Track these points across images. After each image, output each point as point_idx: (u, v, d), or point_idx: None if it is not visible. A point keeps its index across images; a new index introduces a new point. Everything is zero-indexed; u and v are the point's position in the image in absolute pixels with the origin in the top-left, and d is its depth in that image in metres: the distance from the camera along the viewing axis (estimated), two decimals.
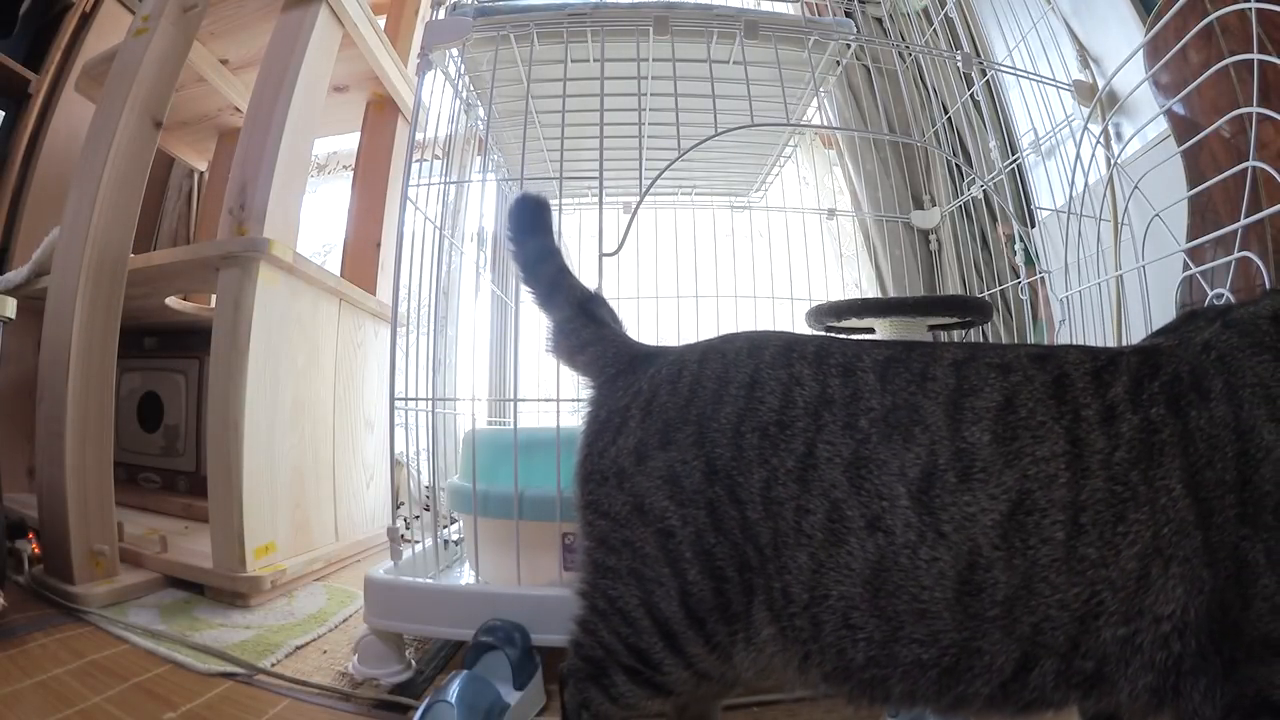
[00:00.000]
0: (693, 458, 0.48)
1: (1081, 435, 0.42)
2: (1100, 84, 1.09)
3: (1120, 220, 1.01)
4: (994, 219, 1.53)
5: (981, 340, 1.60)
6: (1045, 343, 1.23)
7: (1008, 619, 0.42)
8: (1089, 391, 0.43)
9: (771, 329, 0.59)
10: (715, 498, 0.48)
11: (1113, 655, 0.41)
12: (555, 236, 0.68)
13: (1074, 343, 1.05)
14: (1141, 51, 0.95)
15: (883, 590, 0.44)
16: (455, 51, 1.05)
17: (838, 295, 1.39)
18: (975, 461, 0.43)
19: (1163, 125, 0.98)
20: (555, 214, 1.75)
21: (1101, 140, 1.03)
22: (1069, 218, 1.03)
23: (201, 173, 2.34)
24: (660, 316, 1.54)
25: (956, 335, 1.58)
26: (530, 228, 0.66)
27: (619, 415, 0.52)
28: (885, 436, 0.45)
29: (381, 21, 1.80)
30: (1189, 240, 0.90)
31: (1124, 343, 1.03)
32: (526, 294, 0.67)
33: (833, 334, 1.18)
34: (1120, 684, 0.41)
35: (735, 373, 0.50)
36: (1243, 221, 0.77)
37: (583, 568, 0.54)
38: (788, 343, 0.52)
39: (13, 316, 1.14)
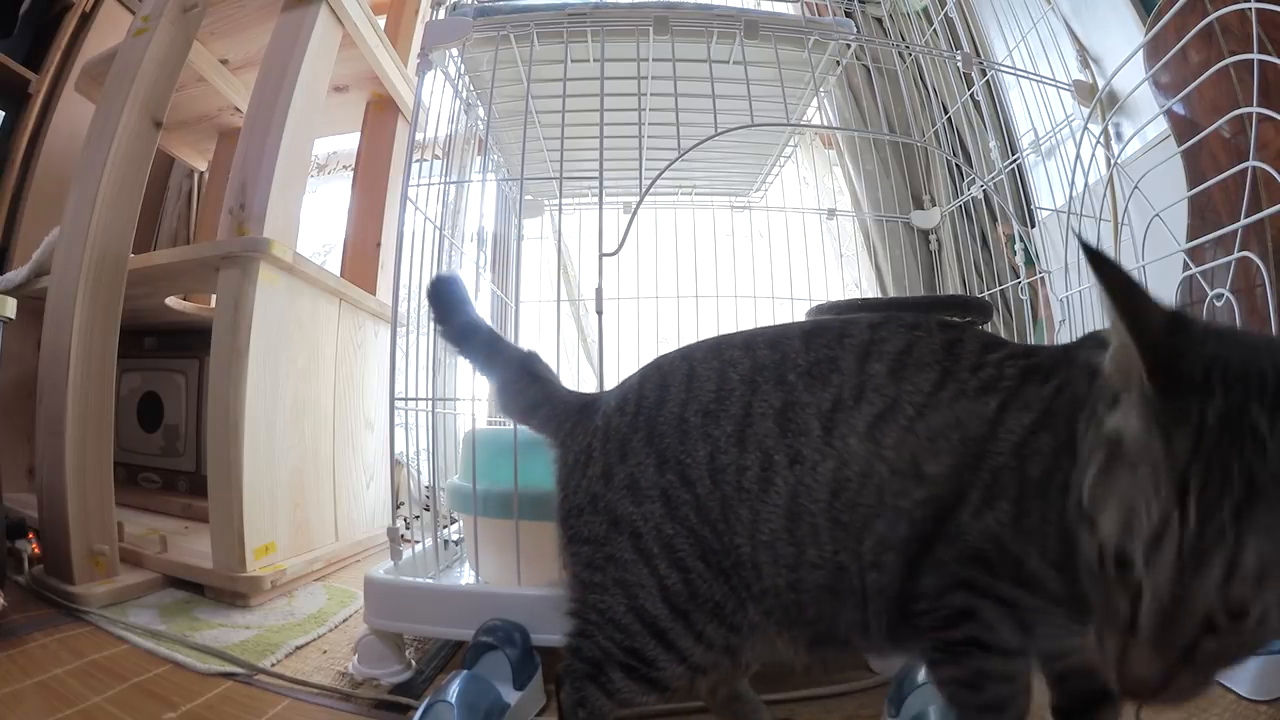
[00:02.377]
0: (645, 456, 0.52)
1: (951, 373, 0.48)
2: (1100, 84, 1.09)
3: (1120, 220, 1.01)
4: (994, 219, 1.53)
5: None
6: (1045, 343, 1.23)
7: (861, 530, 0.47)
8: (973, 353, 0.49)
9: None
10: (668, 485, 0.51)
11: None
12: (474, 307, 0.72)
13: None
14: (1141, 51, 0.95)
15: (797, 516, 0.48)
16: (455, 51, 1.05)
17: (838, 295, 1.39)
18: (869, 385, 0.48)
19: (1163, 125, 0.98)
20: (555, 215, 1.74)
21: (1101, 140, 1.03)
22: (1069, 218, 1.04)
23: (201, 173, 2.34)
24: (660, 316, 1.54)
25: None
26: (450, 306, 0.70)
27: (584, 454, 0.56)
28: (809, 385, 0.50)
29: (381, 21, 1.80)
30: (1189, 240, 0.90)
31: None
32: (466, 361, 0.71)
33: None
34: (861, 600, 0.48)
35: (673, 376, 0.54)
36: (1243, 221, 0.77)
37: (570, 590, 0.56)
38: (716, 340, 0.57)
39: (13, 316, 1.14)
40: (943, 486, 0.45)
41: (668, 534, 0.51)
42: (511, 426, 0.89)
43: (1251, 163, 0.75)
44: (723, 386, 0.52)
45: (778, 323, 0.62)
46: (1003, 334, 1.56)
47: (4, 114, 1.85)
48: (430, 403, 1.03)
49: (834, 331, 0.52)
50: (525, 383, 0.65)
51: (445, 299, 0.71)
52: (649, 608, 0.51)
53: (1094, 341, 0.47)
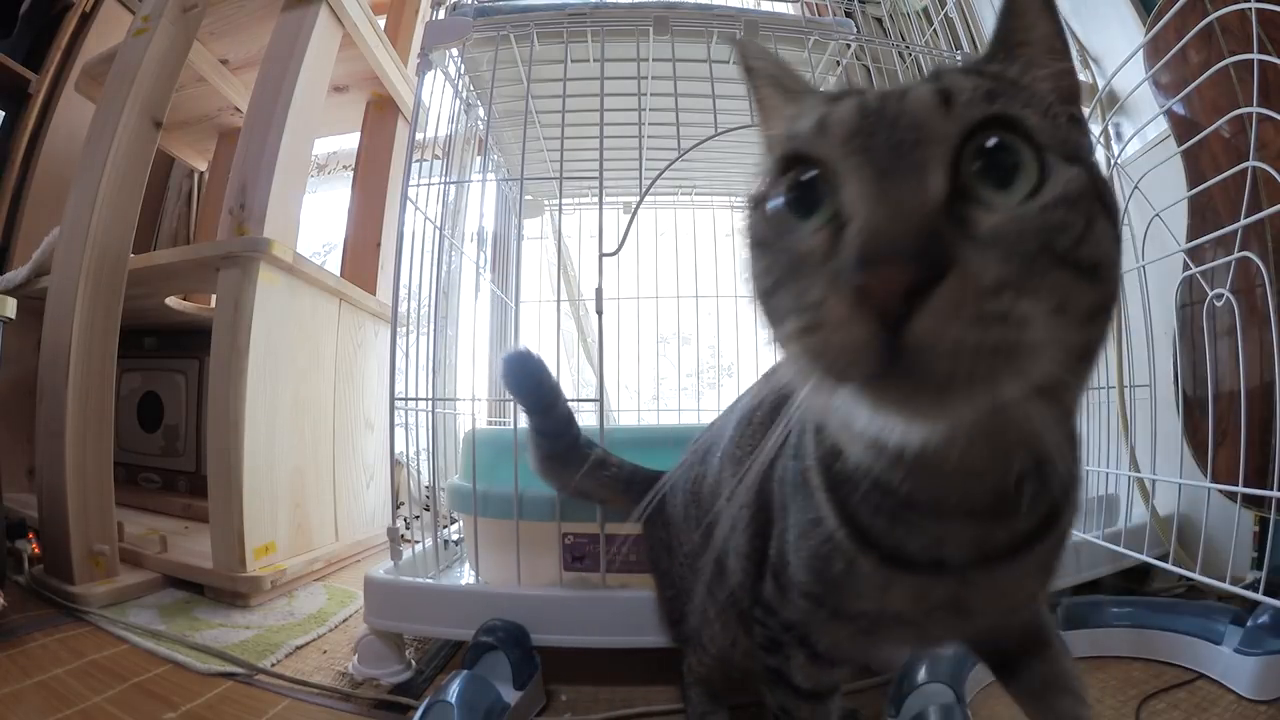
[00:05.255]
0: (683, 482, 0.65)
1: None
2: (1100, 84, 1.09)
3: (1120, 220, 1.00)
4: None
5: None
6: None
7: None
8: None
9: None
10: (685, 502, 0.64)
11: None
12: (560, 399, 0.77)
13: None
14: (1141, 51, 0.95)
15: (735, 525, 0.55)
16: (455, 51, 1.05)
17: None
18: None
19: (1163, 125, 0.98)
20: (555, 215, 1.74)
21: (1101, 140, 1.03)
22: None
23: (201, 173, 2.34)
24: (660, 316, 1.54)
25: None
26: (539, 391, 0.76)
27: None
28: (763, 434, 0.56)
29: (381, 21, 1.80)
30: (1189, 240, 0.90)
31: (1122, 344, 1.03)
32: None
33: None
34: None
35: (731, 415, 0.64)
36: (1243, 221, 0.77)
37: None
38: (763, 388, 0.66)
39: (13, 316, 1.14)
40: (754, 507, 0.51)
41: (681, 517, 0.65)
42: (511, 426, 0.90)
43: (1251, 163, 0.75)
44: (745, 423, 0.61)
45: None
46: None
47: (4, 114, 1.85)
48: (430, 403, 1.03)
49: None
50: (612, 462, 0.77)
51: (530, 383, 0.75)
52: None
53: None
